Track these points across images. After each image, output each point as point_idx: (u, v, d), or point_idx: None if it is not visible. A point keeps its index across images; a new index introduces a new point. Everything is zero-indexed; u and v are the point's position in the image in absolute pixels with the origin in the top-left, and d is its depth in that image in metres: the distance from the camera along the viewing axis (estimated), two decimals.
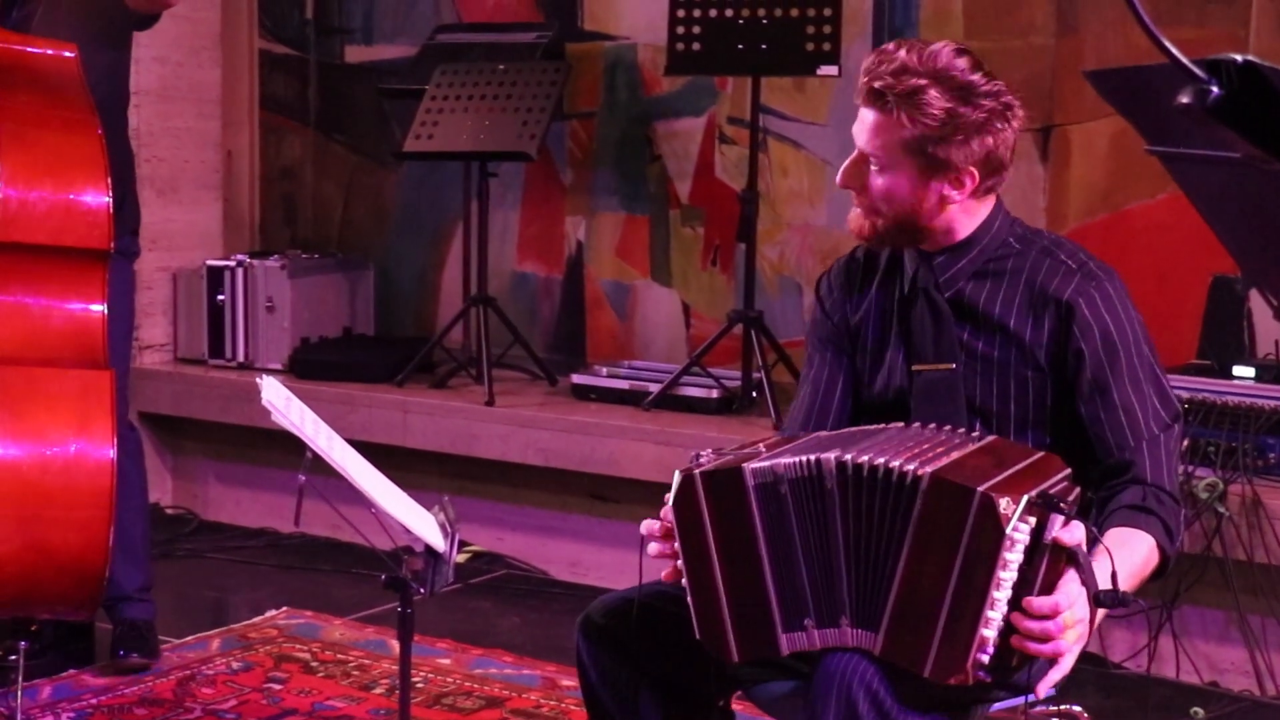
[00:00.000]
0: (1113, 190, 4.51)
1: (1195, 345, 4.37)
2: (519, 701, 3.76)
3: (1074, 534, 2.13)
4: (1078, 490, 2.24)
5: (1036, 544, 2.11)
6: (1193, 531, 3.83)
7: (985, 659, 2.10)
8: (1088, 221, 4.51)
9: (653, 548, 2.29)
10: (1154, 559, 2.34)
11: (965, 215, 2.47)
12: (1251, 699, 3.89)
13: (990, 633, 2.09)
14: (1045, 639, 2.10)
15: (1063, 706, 2.50)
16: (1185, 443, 3.74)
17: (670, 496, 2.22)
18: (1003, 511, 2.06)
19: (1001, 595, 2.09)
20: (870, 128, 2.41)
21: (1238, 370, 4.00)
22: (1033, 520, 2.10)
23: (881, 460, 2.15)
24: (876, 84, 2.38)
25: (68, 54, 3.38)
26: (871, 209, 2.46)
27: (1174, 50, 1.28)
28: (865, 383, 2.58)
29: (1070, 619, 2.11)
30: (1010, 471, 2.17)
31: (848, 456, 2.17)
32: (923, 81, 2.35)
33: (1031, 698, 2.28)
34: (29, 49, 3.37)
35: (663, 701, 2.42)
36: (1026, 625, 2.10)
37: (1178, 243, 4.32)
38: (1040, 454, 2.29)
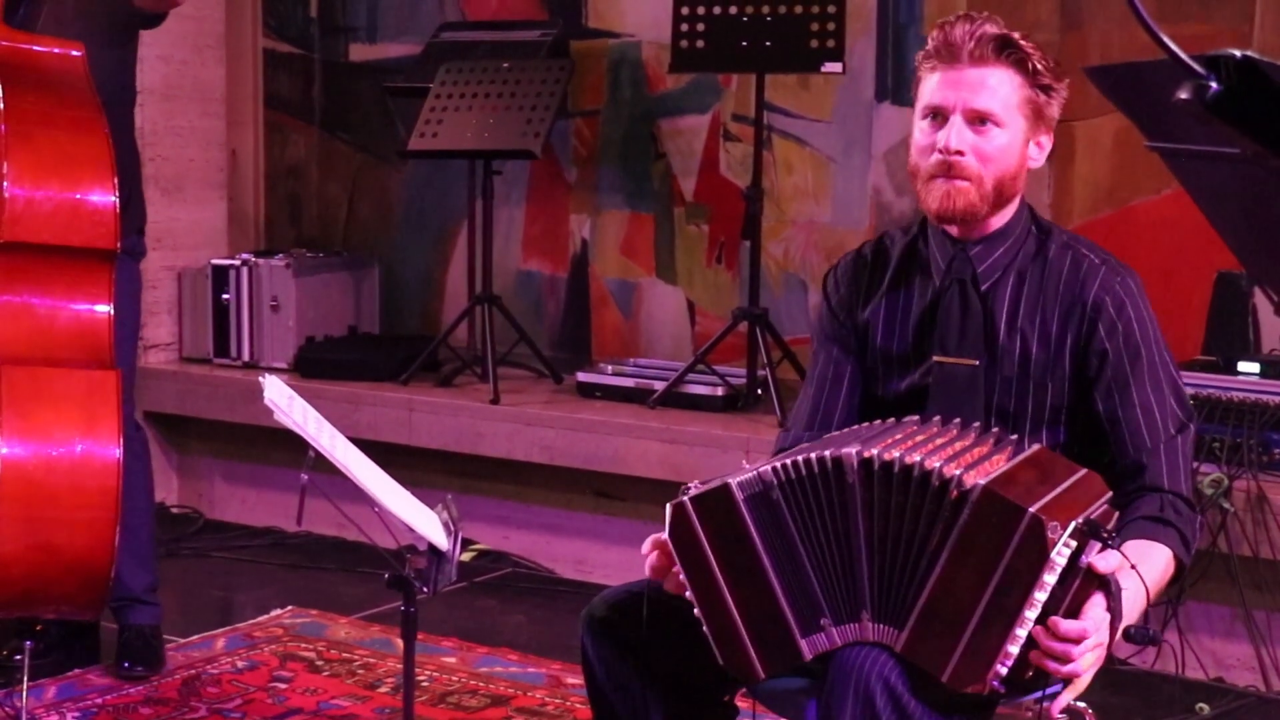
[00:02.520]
0: (1117, 186, 4.50)
1: (1200, 341, 4.36)
2: (524, 700, 3.77)
3: (1109, 562, 2.13)
4: (1116, 515, 2.25)
5: (1072, 566, 2.12)
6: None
7: (1004, 671, 2.10)
8: (1092, 218, 4.51)
9: (654, 564, 2.29)
10: (1170, 570, 2.35)
11: (1019, 190, 2.48)
12: (1257, 695, 3.89)
13: (1014, 648, 2.10)
14: (1065, 660, 2.11)
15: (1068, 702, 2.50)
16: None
17: (665, 530, 2.22)
18: (1050, 536, 2.06)
19: (1032, 614, 2.09)
20: (990, 83, 2.39)
21: (1242, 366, 4.00)
22: (1074, 544, 2.10)
23: (917, 459, 2.15)
24: (1001, 34, 2.39)
25: (74, 53, 3.38)
26: (971, 175, 2.41)
27: (1173, 46, 1.28)
28: (880, 380, 2.58)
29: (1092, 643, 2.12)
30: (1057, 491, 2.16)
31: (871, 452, 2.16)
32: (1023, 37, 2.42)
33: (1043, 694, 2.29)
34: (35, 48, 3.37)
35: (668, 696, 2.42)
36: (1049, 644, 2.11)
37: (1182, 239, 4.32)
38: (1083, 472, 2.29)
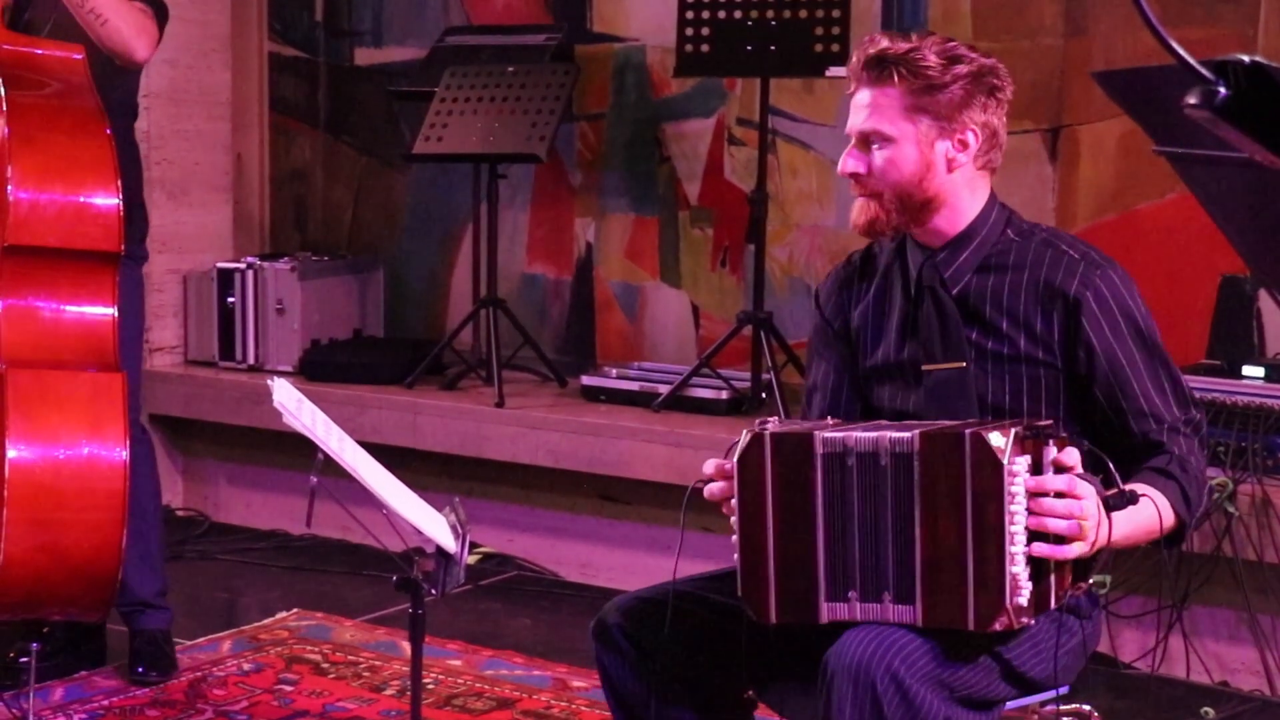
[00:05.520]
0: (1121, 190, 4.51)
1: (1204, 345, 4.36)
2: (530, 703, 3.77)
3: (1070, 456, 2.22)
4: (1064, 432, 2.31)
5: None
6: (1202, 531, 3.82)
7: (1023, 601, 2.16)
8: (1096, 222, 4.51)
9: (713, 486, 2.34)
10: (1168, 517, 2.35)
11: (969, 192, 2.47)
12: (1261, 699, 3.89)
13: (1019, 569, 2.15)
14: (1068, 514, 2.17)
15: (1073, 706, 2.51)
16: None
17: (736, 452, 2.28)
18: (995, 444, 2.14)
19: (1018, 529, 2.15)
20: (870, 103, 2.44)
21: (1247, 370, 3.99)
22: (1027, 457, 2.18)
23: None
24: (871, 52, 2.43)
25: (75, 55, 3.38)
26: (875, 192, 2.46)
27: (1181, 51, 1.28)
28: (874, 392, 2.58)
29: (1086, 498, 2.18)
30: (991, 421, 2.27)
31: (901, 434, 2.22)
32: (912, 45, 2.43)
33: (1052, 694, 2.31)
34: (37, 51, 3.38)
35: (687, 696, 2.44)
36: (1048, 504, 2.16)
37: (1187, 243, 4.32)
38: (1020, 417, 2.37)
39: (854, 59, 2.48)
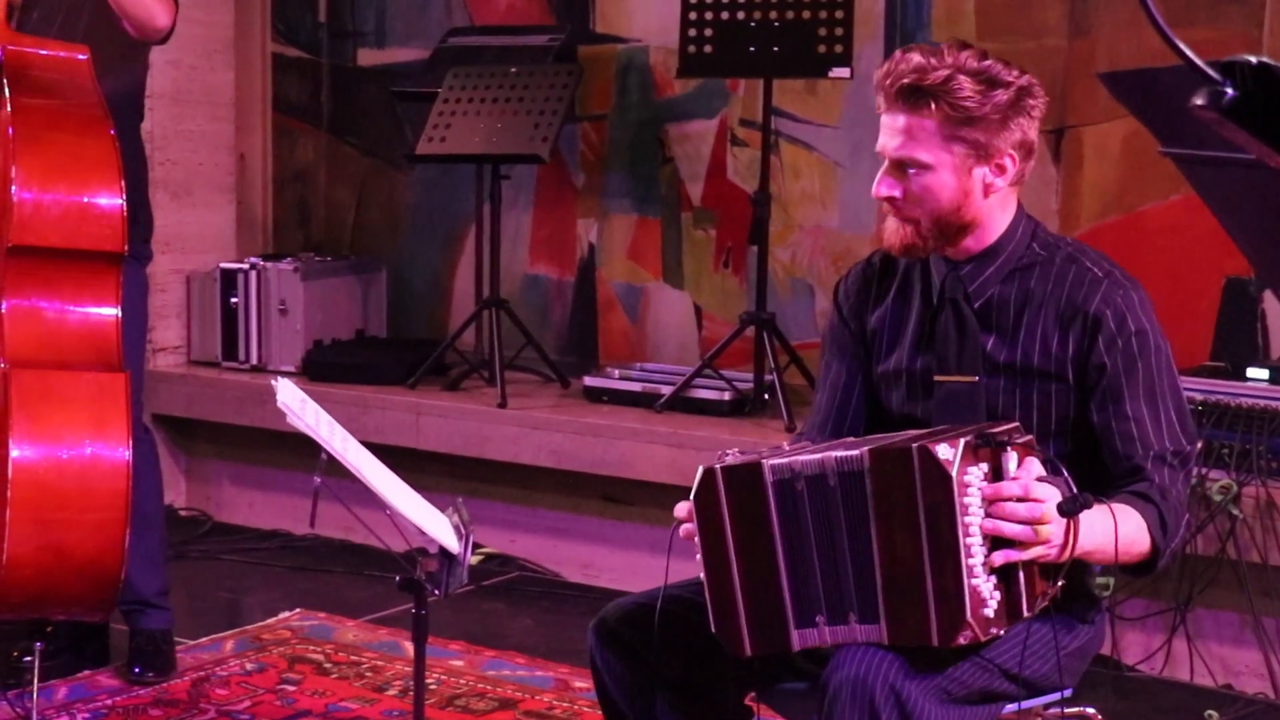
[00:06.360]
0: (1125, 192, 4.50)
1: (1209, 347, 4.36)
2: (532, 703, 3.77)
3: (1030, 469, 2.18)
4: (1030, 436, 2.28)
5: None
6: (1206, 534, 3.82)
7: (989, 613, 2.13)
8: (1100, 223, 4.51)
9: (685, 528, 2.32)
10: (1142, 540, 2.31)
11: (1000, 210, 2.45)
12: (1265, 702, 3.89)
13: (979, 581, 2.12)
14: (1026, 519, 2.14)
15: (1077, 708, 2.50)
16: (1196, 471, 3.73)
17: (692, 491, 2.25)
18: (943, 457, 2.12)
19: (975, 540, 2.13)
20: (904, 129, 2.39)
21: (1251, 372, 3.99)
22: (985, 466, 2.15)
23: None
24: (906, 80, 2.37)
25: (80, 56, 3.38)
26: (911, 216, 2.42)
27: (1188, 52, 1.28)
28: (884, 397, 2.57)
29: (1046, 500, 2.14)
30: (946, 431, 2.23)
31: (849, 453, 2.20)
32: (948, 71, 2.35)
33: (1056, 696, 2.30)
34: (41, 51, 3.38)
35: (679, 705, 2.43)
36: (1009, 509, 2.14)
37: (1191, 244, 4.32)
38: (982, 423, 2.33)
39: (885, 79, 2.40)
